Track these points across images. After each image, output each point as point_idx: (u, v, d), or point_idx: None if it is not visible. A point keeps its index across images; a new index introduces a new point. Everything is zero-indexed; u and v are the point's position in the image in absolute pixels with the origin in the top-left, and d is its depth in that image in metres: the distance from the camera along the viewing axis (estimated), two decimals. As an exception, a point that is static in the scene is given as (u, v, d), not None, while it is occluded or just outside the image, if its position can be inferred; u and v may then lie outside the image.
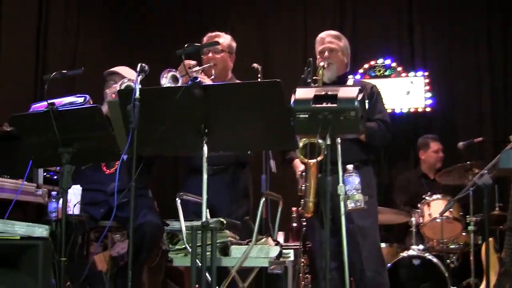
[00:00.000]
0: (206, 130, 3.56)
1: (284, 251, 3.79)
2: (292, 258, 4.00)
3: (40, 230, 3.63)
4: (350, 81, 5.12)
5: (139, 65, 3.87)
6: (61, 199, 4.03)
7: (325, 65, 4.84)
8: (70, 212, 4.47)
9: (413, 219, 6.58)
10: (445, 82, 8.14)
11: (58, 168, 5.08)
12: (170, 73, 4.52)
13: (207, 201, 3.53)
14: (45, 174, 5.30)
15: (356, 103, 3.72)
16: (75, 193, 4.56)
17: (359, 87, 3.84)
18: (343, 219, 3.93)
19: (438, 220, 6.35)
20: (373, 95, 4.98)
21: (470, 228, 6.12)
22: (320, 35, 5.15)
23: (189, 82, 3.56)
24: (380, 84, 6.12)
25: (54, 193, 4.54)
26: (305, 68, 4.51)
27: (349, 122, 3.73)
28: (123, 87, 4.57)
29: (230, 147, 3.97)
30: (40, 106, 4.42)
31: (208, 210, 3.60)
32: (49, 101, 4.05)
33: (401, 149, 8.04)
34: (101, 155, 4.24)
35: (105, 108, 4.51)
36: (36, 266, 3.51)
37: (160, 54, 7.85)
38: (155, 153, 4.56)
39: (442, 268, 6.21)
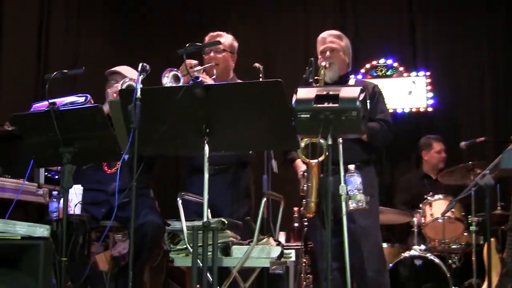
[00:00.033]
0: (208, 130, 3.56)
1: (285, 251, 3.78)
2: (293, 258, 3.99)
3: (41, 230, 3.62)
4: (351, 81, 5.11)
5: (140, 64, 3.86)
6: (62, 199, 4.02)
7: (327, 65, 4.83)
8: (71, 212, 4.46)
9: (415, 219, 6.57)
10: (447, 82, 8.13)
11: (59, 167, 5.07)
12: (172, 73, 4.51)
13: (208, 201, 3.52)
14: (46, 173, 5.30)
15: (357, 103, 3.72)
16: (76, 193, 4.55)
17: (361, 87, 3.84)
18: (344, 219, 3.93)
19: (440, 220, 6.33)
20: (375, 95, 4.97)
21: (472, 228, 6.12)
22: (321, 35, 5.14)
23: (191, 82, 3.56)
24: (382, 84, 6.14)
25: (55, 193, 4.54)
26: (307, 68, 4.51)
27: (350, 122, 3.72)
28: (124, 86, 4.57)
29: (232, 147, 3.96)
30: (41, 105, 4.42)
31: (209, 210, 3.59)
32: (50, 101, 4.04)
33: (403, 149, 8.03)
34: (102, 154, 4.23)
35: (106, 108, 4.51)
36: (37, 266, 3.50)
37: (160, 54, 7.85)
38: (156, 153, 4.55)
39: (444, 269, 6.20)
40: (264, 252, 3.65)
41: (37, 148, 4.20)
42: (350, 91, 3.79)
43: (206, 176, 3.51)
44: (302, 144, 4.41)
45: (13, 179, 4.96)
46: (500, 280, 5.14)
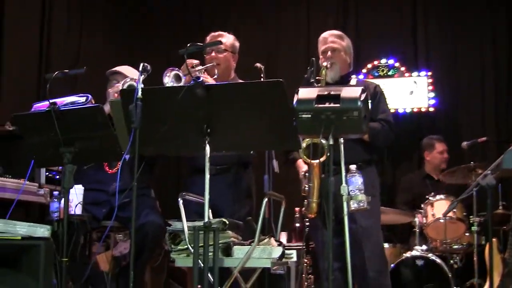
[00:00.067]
0: (209, 130, 3.55)
1: (286, 251, 3.77)
2: (294, 258, 3.99)
3: (42, 230, 3.62)
4: (353, 81, 5.10)
5: (141, 64, 3.85)
6: (63, 199, 4.01)
7: (328, 65, 4.82)
8: (72, 212, 4.46)
9: (416, 219, 6.56)
10: (449, 82, 8.13)
11: (60, 167, 5.07)
12: (173, 72, 4.50)
13: (209, 201, 3.51)
14: (47, 173, 5.30)
15: (359, 103, 3.71)
16: (76, 193, 4.55)
17: (362, 87, 3.83)
18: (346, 220, 3.92)
19: (441, 221, 6.33)
20: (376, 95, 4.97)
21: (474, 228, 6.11)
22: (322, 35, 5.13)
23: (192, 82, 3.55)
24: (384, 84, 6.13)
25: (56, 193, 4.53)
26: (308, 68, 4.50)
27: (352, 122, 3.71)
28: (125, 86, 4.56)
29: (233, 147, 3.96)
30: (42, 105, 4.42)
31: (210, 210, 3.59)
32: (51, 101, 4.04)
33: (405, 149, 8.03)
34: (103, 154, 4.23)
35: (107, 108, 4.50)
36: (38, 266, 3.50)
37: (161, 54, 7.85)
38: (157, 153, 4.55)
39: (446, 269, 6.20)
40: (265, 253, 3.65)
41: (38, 148, 4.20)
42: (351, 91, 3.78)
43: (207, 176, 3.50)
44: (304, 145, 4.41)
45: (14, 179, 4.96)
46: (502, 280, 5.14)
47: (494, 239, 5.33)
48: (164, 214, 4.88)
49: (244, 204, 4.93)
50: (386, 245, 6.28)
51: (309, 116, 3.73)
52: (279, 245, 3.75)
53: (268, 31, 8.82)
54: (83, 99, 4.46)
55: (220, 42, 4.72)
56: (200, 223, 3.48)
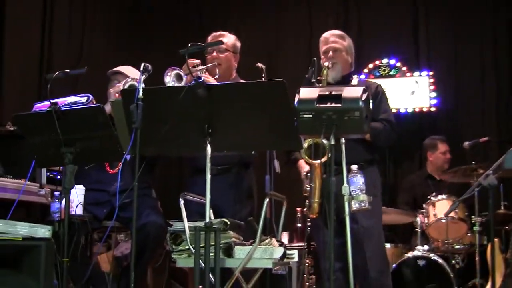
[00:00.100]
0: (210, 130, 3.55)
1: (288, 251, 3.77)
2: (296, 259, 3.99)
3: (43, 231, 3.61)
4: (354, 81, 5.10)
5: (142, 64, 3.85)
6: (64, 199, 4.01)
7: (330, 65, 4.82)
8: (73, 213, 4.45)
9: (418, 219, 6.55)
10: (450, 81, 8.12)
11: (61, 168, 5.06)
12: (174, 72, 4.50)
13: (210, 201, 3.51)
14: (48, 174, 5.30)
15: (360, 103, 3.69)
16: (77, 193, 4.54)
17: (364, 87, 3.81)
18: (347, 220, 3.91)
19: (443, 221, 6.32)
20: (378, 95, 4.96)
21: (476, 228, 6.11)
22: (324, 35, 5.13)
23: (193, 82, 3.54)
24: (385, 84, 6.12)
25: (57, 193, 4.53)
26: (309, 68, 4.49)
27: (353, 122, 3.70)
28: (126, 86, 4.55)
29: (234, 147, 3.95)
30: (43, 105, 4.42)
31: (212, 210, 3.58)
32: (52, 101, 4.04)
33: (406, 149, 8.02)
34: (104, 155, 4.23)
35: (108, 108, 4.50)
36: (38, 267, 3.49)
37: (161, 54, 7.83)
38: (158, 153, 4.54)
39: (447, 269, 6.19)
40: (266, 253, 3.64)
41: (39, 148, 4.20)
42: (352, 91, 3.76)
43: (209, 176, 3.50)
44: (305, 145, 4.40)
45: (14, 179, 4.95)
46: (504, 280, 5.13)
47: (496, 239, 5.33)
48: (166, 215, 4.86)
49: (246, 204, 4.92)
50: (387, 245, 6.27)
51: (310, 116, 3.72)
52: (280, 245, 3.74)
53: (270, 31, 8.82)
54: (84, 99, 4.46)
55: (221, 42, 4.72)
56: (201, 224, 3.47)
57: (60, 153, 4.00)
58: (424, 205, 6.57)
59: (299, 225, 6.61)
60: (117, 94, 4.76)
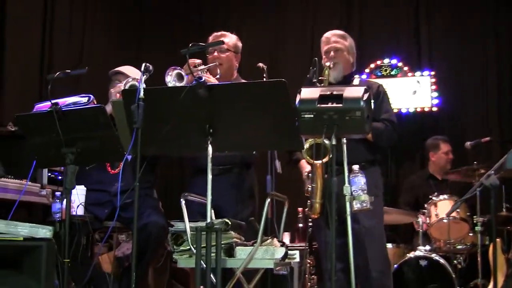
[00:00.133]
0: (211, 130, 3.54)
1: (289, 252, 3.76)
2: (298, 259, 3.98)
3: (44, 231, 3.60)
4: (356, 81, 5.09)
5: (143, 64, 3.85)
6: (65, 200, 4.00)
7: (331, 65, 4.81)
8: (74, 213, 4.45)
9: (420, 219, 6.54)
10: (452, 81, 8.11)
11: (62, 168, 5.06)
12: (175, 71, 4.49)
13: (212, 202, 3.50)
14: (49, 174, 5.30)
15: (361, 103, 3.69)
16: (78, 193, 4.54)
17: (365, 87, 3.81)
18: (349, 220, 3.90)
19: (445, 221, 6.31)
20: (380, 95, 4.95)
21: (477, 228, 6.10)
22: (325, 35, 5.12)
23: (194, 82, 3.54)
24: (387, 83, 6.09)
25: (58, 193, 4.52)
26: (311, 68, 4.49)
27: (354, 122, 3.69)
28: (127, 86, 4.55)
29: (235, 147, 3.95)
30: (44, 106, 4.41)
31: (213, 210, 3.57)
32: (53, 101, 4.03)
33: (408, 149, 8.02)
34: (105, 155, 4.22)
35: (109, 108, 4.50)
36: (39, 267, 3.48)
37: (161, 54, 7.83)
38: (159, 153, 4.54)
39: (449, 269, 6.18)
40: (268, 253, 3.64)
41: (39, 149, 4.19)
42: (354, 91, 3.76)
43: (210, 176, 3.49)
44: (307, 145, 4.39)
45: (16, 180, 4.96)
46: (506, 280, 5.12)
47: (498, 239, 5.31)
48: (167, 215, 4.86)
49: (247, 205, 4.92)
50: (389, 245, 6.27)
51: (312, 116, 3.72)
52: (282, 245, 3.74)
53: (271, 30, 8.81)
54: (85, 100, 4.46)
55: (222, 42, 4.70)
56: (203, 224, 3.47)
57: (61, 154, 4.00)
58: (425, 205, 6.57)
59: (300, 225, 6.62)
60: (118, 94, 4.76)
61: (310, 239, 5.40)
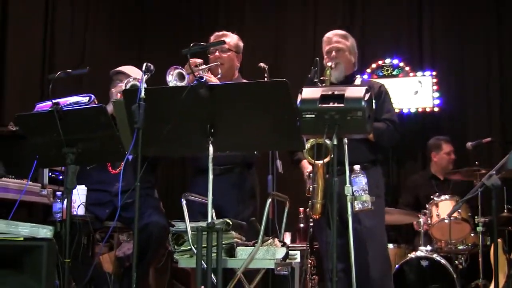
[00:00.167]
0: (212, 130, 3.53)
1: (290, 252, 3.76)
2: (298, 259, 3.98)
3: (44, 231, 3.60)
4: (357, 81, 5.10)
5: (144, 64, 3.84)
6: (66, 200, 4.00)
7: (333, 65, 4.81)
8: (75, 213, 4.44)
9: (421, 220, 6.54)
10: (453, 82, 8.11)
11: (63, 168, 5.06)
12: (176, 71, 4.48)
13: (213, 202, 3.50)
14: (50, 174, 5.29)
15: (363, 103, 3.68)
16: (79, 193, 4.54)
17: (366, 87, 3.81)
18: (350, 220, 3.90)
19: (446, 221, 6.30)
20: (381, 95, 4.95)
21: (479, 229, 6.10)
22: (326, 35, 5.12)
23: (195, 82, 3.53)
24: (388, 83, 6.10)
25: (59, 193, 4.52)
26: (312, 67, 4.48)
27: (356, 122, 3.69)
28: (128, 86, 4.54)
29: (236, 147, 3.94)
30: (45, 105, 4.41)
31: (214, 210, 3.57)
32: (54, 101, 4.03)
33: (409, 149, 8.01)
34: (106, 155, 4.21)
35: (110, 108, 4.49)
36: (40, 267, 3.47)
37: (162, 54, 7.83)
38: (160, 153, 4.53)
39: (451, 269, 6.18)
40: (269, 253, 3.63)
41: (40, 149, 4.19)
42: (355, 91, 3.76)
43: (211, 176, 3.49)
44: (308, 145, 4.39)
45: (16, 180, 4.95)
46: (507, 281, 5.11)
47: (499, 240, 5.31)
48: (169, 215, 4.86)
49: (248, 205, 4.91)
50: (390, 245, 6.27)
51: (313, 116, 3.72)
52: (283, 245, 3.73)
53: (272, 30, 8.81)
54: (86, 99, 4.46)
55: (224, 42, 4.70)
56: (204, 224, 3.46)
57: (62, 153, 3.99)
58: (427, 206, 6.56)
59: (301, 225, 6.62)
60: (119, 94, 4.76)
61: (311, 239, 5.38)
